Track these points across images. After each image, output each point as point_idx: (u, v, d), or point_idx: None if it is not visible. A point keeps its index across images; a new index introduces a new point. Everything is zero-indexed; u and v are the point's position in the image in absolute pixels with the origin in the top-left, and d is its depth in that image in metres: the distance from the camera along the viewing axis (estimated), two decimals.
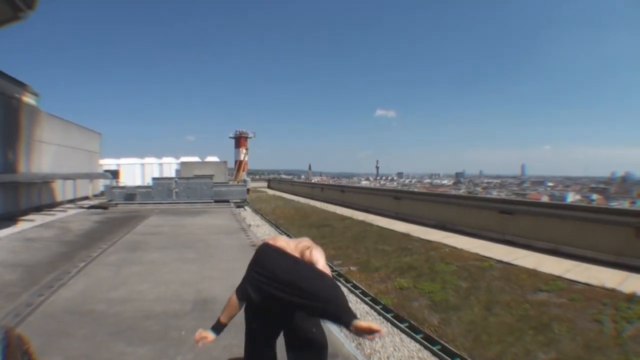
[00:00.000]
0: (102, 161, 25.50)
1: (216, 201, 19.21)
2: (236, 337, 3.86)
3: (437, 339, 5.83)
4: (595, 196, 56.25)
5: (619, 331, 5.24)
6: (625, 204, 36.57)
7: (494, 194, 53.30)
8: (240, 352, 3.50)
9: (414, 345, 5.83)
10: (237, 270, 6.52)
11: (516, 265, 8.15)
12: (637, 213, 8.51)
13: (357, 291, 8.25)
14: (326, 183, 42.09)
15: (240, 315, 4.40)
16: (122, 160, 29.81)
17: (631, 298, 6.02)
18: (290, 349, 2.59)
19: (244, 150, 46.11)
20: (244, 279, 2.50)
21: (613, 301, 5.99)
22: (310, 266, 2.31)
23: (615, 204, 33.01)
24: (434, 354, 5.53)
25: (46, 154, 15.73)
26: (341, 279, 9.09)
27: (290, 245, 2.50)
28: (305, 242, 2.53)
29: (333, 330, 3.94)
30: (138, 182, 26.03)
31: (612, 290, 6.43)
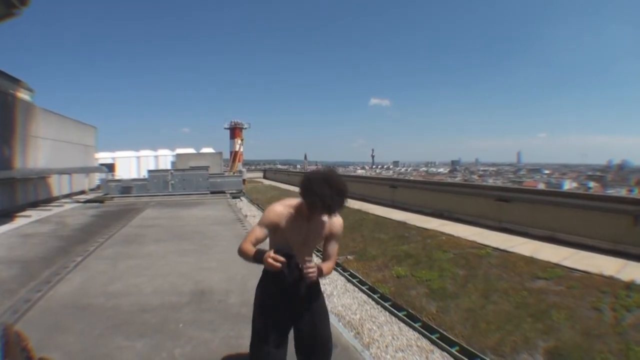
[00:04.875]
0: (97, 155, 25.36)
1: (212, 192, 19.20)
2: (234, 329, 3.87)
3: (436, 327, 5.85)
4: (592, 184, 56.57)
5: (618, 319, 5.24)
6: (622, 192, 36.77)
7: (490, 181, 53.50)
8: (237, 343, 3.51)
9: (412, 334, 5.84)
10: (234, 261, 6.51)
11: (513, 253, 8.14)
12: (634, 201, 8.50)
13: (354, 280, 8.26)
14: None
15: (236, 307, 4.41)
16: (118, 154, 29.69)
17: (630, 286, 6.01)
18: (299, 346, 2.59)
19: (239, 141, 45.89)
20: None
21: (612, 289, 5.98)
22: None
23: (612, 192, 33.17)
24: (432, 342, 5.55)
25: (42, 149, 15.61)
26: (338, 268, 9.10)
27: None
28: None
29: (331, 321, 3.94)
30: (134, 175, 25.95)
31: (611, 278, 6.42)
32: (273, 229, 2.41)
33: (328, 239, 2.55)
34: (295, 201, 2.44)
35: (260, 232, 2.41)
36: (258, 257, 2.28)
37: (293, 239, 2.41)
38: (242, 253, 2.38)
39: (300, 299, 2.48)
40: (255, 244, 2.37)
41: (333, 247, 2.57)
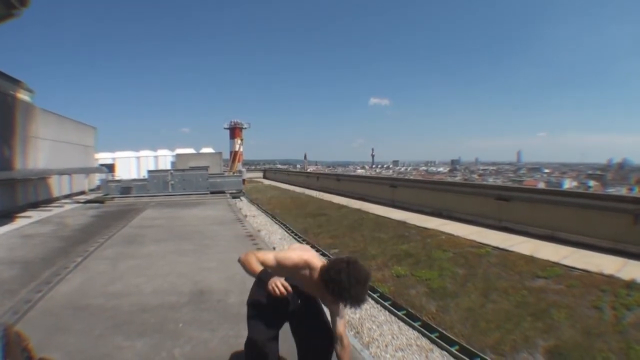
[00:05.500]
0: (97, 155, 25.36)
1: (212, 192, 19.19)
2: (233, 329, 3.87)
3: (435, 326, 5.84)
4: (592, 183, 56.49)
5: (618, 318, 5.24)
6: (622, 191, 36.75)
7: (491, 180, 53.43)
8: (236, 342, 3.51)
9: (412, 333, 5.83)
10: (234, 260, 6.50)
11: (513, 252, 8.16)
12: (634, 200, 8.52)
13: None
14: (322, 172, 42.01)
15: (235, 307, 4.40)
16: (118, 154, 29.68)
17: (630, 285, 6.02)
18: (298, 336, 2.64)
19: (239, 141, 45.85)
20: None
21: (612, 288, 6.00)
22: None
23: (612, 191, 33.15)
24: (432, 341, 5.54)
25: (42, 149, 15.62)
26: None
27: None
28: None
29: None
30: (134, 176, 25.95)
31: (611, 277, 6.43)
32: (283, 270, 2.44)
33: (333, 312, 2.51)
34: (317, 261, 2.42)
35: (270, 263, 2.45)
36: (263, 277, 2.35)
37: (299, 284, 2.46)
38: (245, 264, 2.44)
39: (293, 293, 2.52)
40: (260, 264, 2.43)
41: (341, 325, 2.51)
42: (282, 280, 2.30)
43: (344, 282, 2.14)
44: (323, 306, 2.68)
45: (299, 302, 2.46)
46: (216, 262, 6.46)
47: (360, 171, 75.19)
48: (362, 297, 2.21)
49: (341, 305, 2.45)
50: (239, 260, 2.50)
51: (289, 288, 2.26)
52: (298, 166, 79.98)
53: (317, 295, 2.50)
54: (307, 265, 2.39)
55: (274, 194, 24.53)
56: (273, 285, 2.25)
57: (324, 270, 2.25)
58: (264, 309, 2.52)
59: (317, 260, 2.42)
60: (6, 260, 6.87)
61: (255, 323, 2.54)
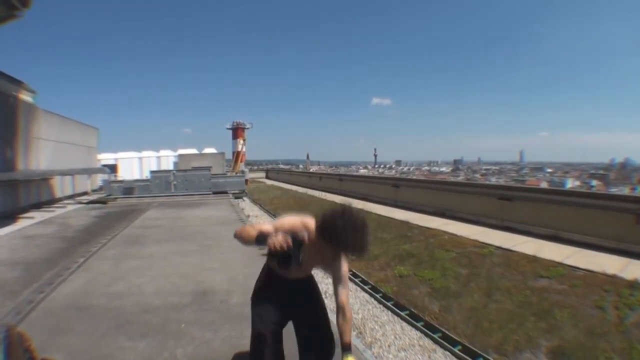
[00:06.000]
0: (100, 156, 25.41)
1: (214, 192, 19.22)
2: (235, 329, 3.87)
3: (438, 326, 5.82)
4: (594, 182, 56.47)
5: (621, 318, 5.21)
6: (625, 190, 36.72)
7: (493, 180, 53.37)
8: (239, 343, 3.51)
9: (414, 333, 5.81)
10: (236, 261, 6.52)
11: (516, 252, 8.13)
12: (637, 199, 8.48)
13: (356, 279, 8.25)
14: (324, 172, 41.99)
15: (237, 307, 4.40)
16: (120, 155, 29.71)
17: (633, 285, 5.99)
18: (301, 338, 2.64)
19: (242, 141, 45.95)
20: None
21: (615, 288, 5.97)
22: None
23: (615, 190, 33.11)
24: (435, 341, 5.52)
25: (44, 150, 15.67)
26: None
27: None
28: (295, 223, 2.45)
29: (332, 320, 3.93)
30: (136, 176, 25.99)
31: (614, 277, 6.40)
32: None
33: (335, 276, 2.48)
34: (314, 222, 2.39)
35: (268, 230, 2.39)
36: (261, 238, 2.29)
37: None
38: (241, 234, 2.43)
39: (295, 290, 2.53)
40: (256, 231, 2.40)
41: (343, 294, 2.45)
42: (282, 234, 2.26)
43: (340, 229, 2.13)
44: (325, 307, 2.67)
45: (301, 258, 2.39)
46: (218, 263, 6.46)
47: (362, 171, 75.29)
48: (362, 243, 2.23)
49: (343, 266, 2.44)
50: (235, 235, 2.47)
51: (289, 241, 2.23)
52: (300, 166, 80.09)
53: (318, 259, 2.46)
54: (305, 226, 2.37)
55: (277, 194, 24.50)
56: (273, 239, 2.22)
57: (320, 222, 2.24)
58: (266, 296, 2.55)
59: (314, 222, 2.39)
60: (9, 261, 6.89)
61: (259, 313, 2.54)
